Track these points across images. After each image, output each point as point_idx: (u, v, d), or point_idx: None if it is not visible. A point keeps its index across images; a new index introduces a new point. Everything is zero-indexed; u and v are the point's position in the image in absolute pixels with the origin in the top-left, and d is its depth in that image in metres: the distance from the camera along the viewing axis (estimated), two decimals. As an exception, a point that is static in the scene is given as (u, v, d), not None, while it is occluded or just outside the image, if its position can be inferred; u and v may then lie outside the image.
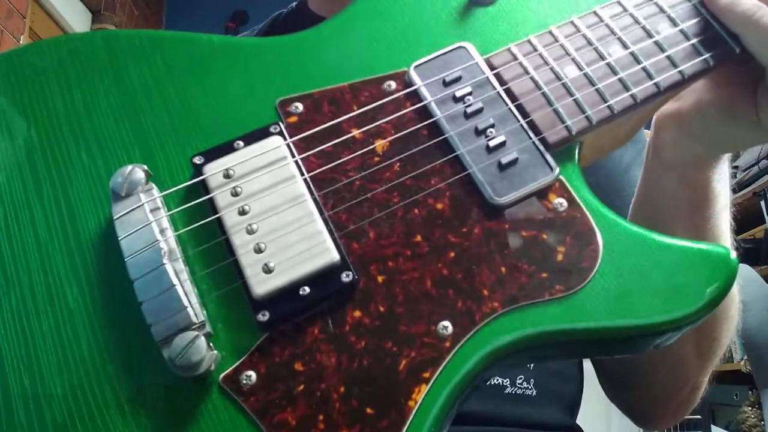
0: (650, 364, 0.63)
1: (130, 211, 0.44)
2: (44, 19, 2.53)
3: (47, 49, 0.53)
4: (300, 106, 0.49)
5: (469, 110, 0.47)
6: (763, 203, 2.42)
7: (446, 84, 0.48)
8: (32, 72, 0.52)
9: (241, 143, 0.47)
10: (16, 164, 0.49)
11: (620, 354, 0.45)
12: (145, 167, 0.46)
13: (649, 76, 0.47)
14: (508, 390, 0.61)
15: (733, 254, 0.42)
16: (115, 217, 0.44)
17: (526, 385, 0.61)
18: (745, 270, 0.62)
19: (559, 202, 0.44)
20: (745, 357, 1.98)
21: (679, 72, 0.47)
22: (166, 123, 0.50)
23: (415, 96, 0.48)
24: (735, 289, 0.61)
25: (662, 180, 0.55)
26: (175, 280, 0.42)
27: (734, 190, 0.60)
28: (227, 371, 0.41)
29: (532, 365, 0.62)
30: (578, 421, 0.68)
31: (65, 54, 0.53)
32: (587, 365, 0.69)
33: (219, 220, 0.44)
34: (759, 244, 2.54)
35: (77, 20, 2.76)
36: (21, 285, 0.45)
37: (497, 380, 0.61)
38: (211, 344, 0.41)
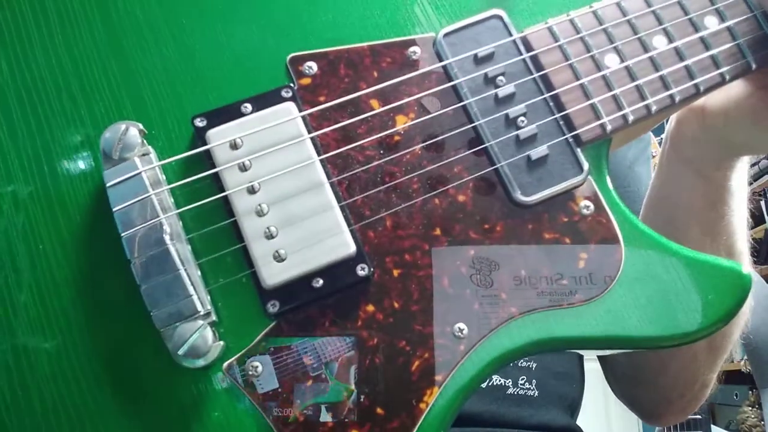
0: (661, 364, 0.62)
1: (126, 179, 0.40)
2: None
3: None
4: (314, 67, 0.44)
5: (500, 94, 0.43)
6: (763, 203, 2.44)
7: (478, 61, 0.44)
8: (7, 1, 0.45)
9: (249, 107, 0.43)
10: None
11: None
12: (140, 126, 0.42)
13: (691, 76, 0.44)
14: (510, 390, 0.61)
15: (746, 270, 0.42)
16: (107, 184, 0.40)
17: (528, 386, 0.61)
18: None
19: (586, 205, 0.43)
20: (745, 357, 2.03)
21: (721, 74, 0.44)
22: (160, 70, 0.44)
23: (443, 71, 0.44)
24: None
25: (678, 174, 0.53)
26: (179, 263, 0.39)
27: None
28: (231, 360, 0.39)
29: (534, 366, 0.62)
30: (578, 421, 0.69)
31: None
32: (588, 366, 0.70)
33: (226, 198, 0.41)
34: (759, 244, 2.56)
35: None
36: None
37: (499, 381, 0.61)
38: (216, 334, 0.39)
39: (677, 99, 0.44)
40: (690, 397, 0.65)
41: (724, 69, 0.44)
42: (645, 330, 0.41)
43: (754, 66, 0.45)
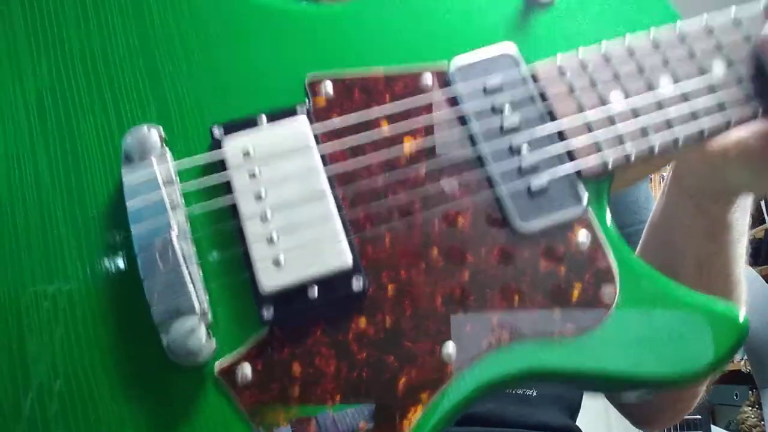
0: None
1: (142, 178, 0.42)
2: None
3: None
4: (330, 88, 0.46)
5: (505, 124, 0.45)
6: (763, 203, 2.41)
7: (486, 92, 0.46)
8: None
9: (265, 119, 0.45)
10: (23, 103, 0.46)
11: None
12: (161, 129, 0.44)
13: (695, 117, 0.45)
14: (509, 389, 0.61)
15: (743, 314, 0.42)
16: (125, 182, 0.42)
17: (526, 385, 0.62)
18: (745, 270, 0.63)
19: (583, 238, 0.43)
20: (745, 357, 2.00)
21: (726, 118, 0.45)
22: (185, 79, 0.47)
23: (453, 99, 0.46)
24: (743, 295, 0.62)
25: (678, 204, 0.54)
26: (181, 261, 0.40)
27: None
28: (223, 363, 0.40)
29: None
30: (578, 422, 0.69)
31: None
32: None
33: (233, 203, 0.42)
34: (759, 244, 2.52)
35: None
36: (17, 238, 0.43)
37: None
38: (210, 333, 0.40)
39: (681, 141, 0.44)
40: (681, 406, 0.66)
41: (729, 112, 0.45)
42: (635, 369, 0.41)
43: (761, 112, 0.45)
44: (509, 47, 0.47)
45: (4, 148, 0.45)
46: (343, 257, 0.41)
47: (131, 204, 0.42)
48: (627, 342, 0.41)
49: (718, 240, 0.55)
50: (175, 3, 0.48)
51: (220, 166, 0.43)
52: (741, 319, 0.41)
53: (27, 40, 0.46)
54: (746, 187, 0.51)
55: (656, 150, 0.44)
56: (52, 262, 0.42)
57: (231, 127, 0.45)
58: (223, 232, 0.42)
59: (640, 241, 0.61)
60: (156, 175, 0.42)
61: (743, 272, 0.58)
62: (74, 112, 0.46)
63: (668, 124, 0.45)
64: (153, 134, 0.43)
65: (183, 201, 0.43)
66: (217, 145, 0.44)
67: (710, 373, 0.41)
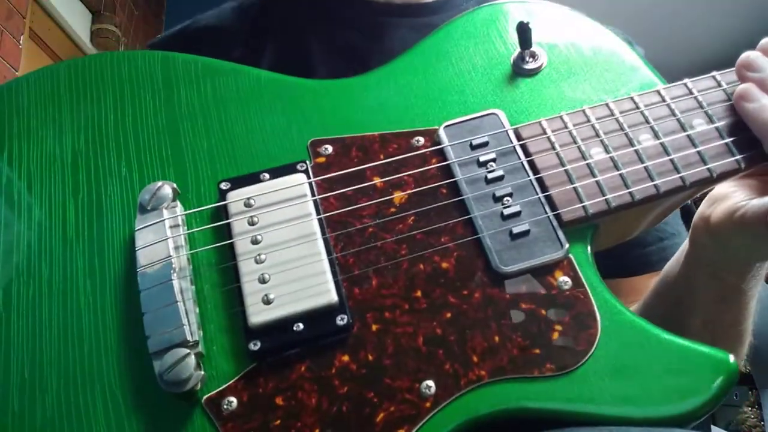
0: None
1: (151, 224, 0.46)
2: (44, 19, 2.42)
3: (111, 63, 0.57)
4: (330, 148, 0.51)
5: (490, 176, 0.47)
6: None
7: (473, 147, 0.49)
8: (95, 83, 0.55)
9: (267, 175, 0.49)
10: (60, 165, 0.52)
11: None
12: (174, 185, 0.49)
13: (676, 169, 0.46)
14: None
15: (732, 359, 0.41)
16: (136, 229, 0.47)
17: None
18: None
19: (564, 281, 0.44)
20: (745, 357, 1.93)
21: (708, 169, 0.46)
22: (203, 147, 0.52)
23: (441, 154, 0.49)
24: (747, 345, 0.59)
25: (693, 270, 0.54)
26: (178, 297, 0.43)
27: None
28: (211, 393, 0.42)
29: None
30: None
31: (125, 70, 0.56)
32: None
33: (232, 246, 0.46)
34: None
35: (77, 20, 2.62)
36: (41, 278, 0.47)
37: None
38: (200, 364, 0.42)
39: (662, 190, 0.46)
40: None
41: (711, 165, 0.46)
42: (618, 409, 0.40)
43: (743, 165, 0.46)
44: (495, 111, 0.50)
45: (39, 202, 0.50)
46: (329, 295, 0.43)
47: (140, 247, 0.46)
48: (610, 383, 0.41)
49: (728, 302, 0.54)
50: (201, 86, 0.55)
51: (224, 214, 0.47)
52: (731, 360, 0.40)
53: (70, 109, 0.53)
54: (756, 253, 0.50)
55: (636, 198, 0.45)
56: (68, 302, 0.46)
57: (237, 182, 0.49)
58: (222, 271, 0.46)
59: (650, 291, 0.60)
60: (164, 222, 0.46)
61: (750, 326, 0.56)
62: (103, 174, 0.51)
63: (649, 175, 0.46)
64: (165, 188, 0.48)
65: (187, 244, 0.46)
66: (223, 197, 0.48)
67: (702, 413, 0.39)
